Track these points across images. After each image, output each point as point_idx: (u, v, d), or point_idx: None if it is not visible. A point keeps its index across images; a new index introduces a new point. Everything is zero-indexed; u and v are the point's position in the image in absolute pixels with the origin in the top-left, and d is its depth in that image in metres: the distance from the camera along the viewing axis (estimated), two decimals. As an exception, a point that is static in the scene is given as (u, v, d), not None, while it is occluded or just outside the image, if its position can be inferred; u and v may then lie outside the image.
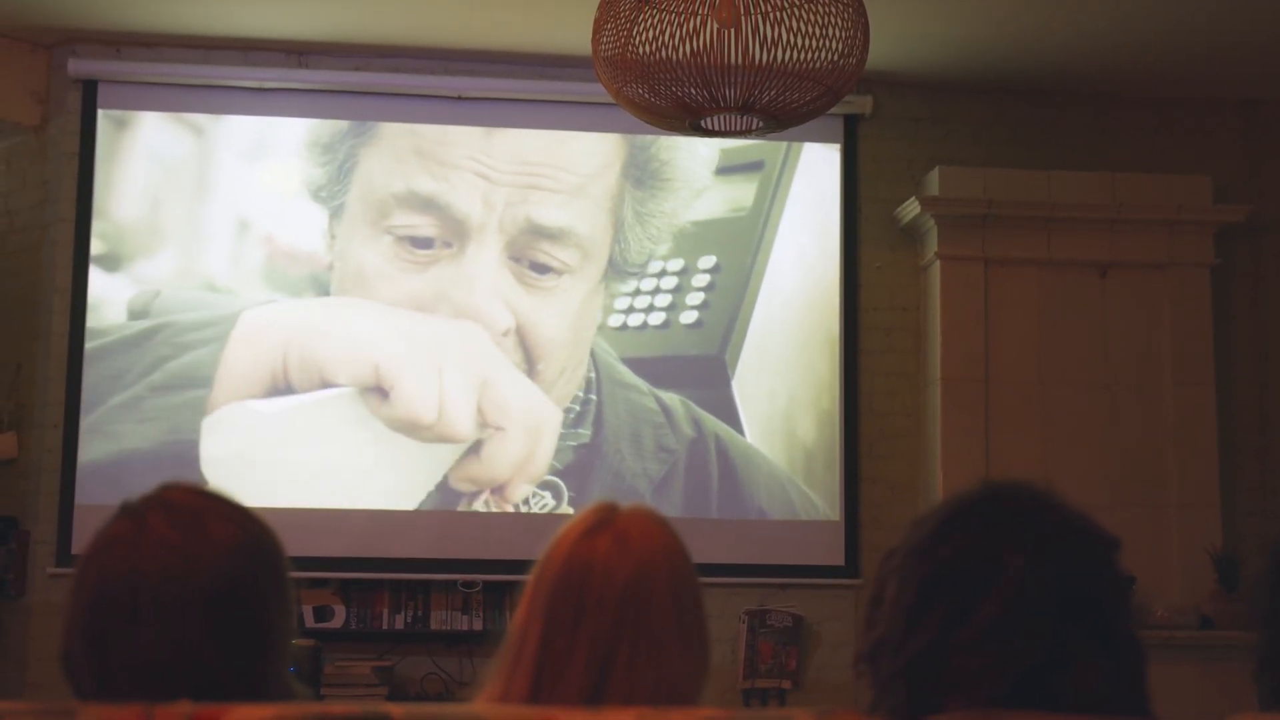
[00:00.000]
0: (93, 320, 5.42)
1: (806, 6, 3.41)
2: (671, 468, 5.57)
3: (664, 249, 5.68)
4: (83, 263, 5.46)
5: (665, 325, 5.66)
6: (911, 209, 5.69)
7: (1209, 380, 5.68)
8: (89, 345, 5.41)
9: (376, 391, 5.43)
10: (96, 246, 5.48)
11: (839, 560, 5.65)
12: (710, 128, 3.76)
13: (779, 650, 5.57)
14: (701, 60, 3.43)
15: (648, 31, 3.47)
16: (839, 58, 3.47)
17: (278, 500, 5.20)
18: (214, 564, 1.37)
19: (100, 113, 5.55)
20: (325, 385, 5.42)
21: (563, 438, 5.53)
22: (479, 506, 5.48)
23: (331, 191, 5.57)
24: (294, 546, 1.46)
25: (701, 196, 5.72)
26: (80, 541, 5.16)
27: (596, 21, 3.62)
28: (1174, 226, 5.70)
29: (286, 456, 5.40)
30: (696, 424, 5.60)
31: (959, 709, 1.21)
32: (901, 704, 1.25)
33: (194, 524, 1.39)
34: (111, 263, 5.48)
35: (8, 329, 5.57)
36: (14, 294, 5.61)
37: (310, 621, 5.31)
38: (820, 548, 5.63)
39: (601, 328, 5.61)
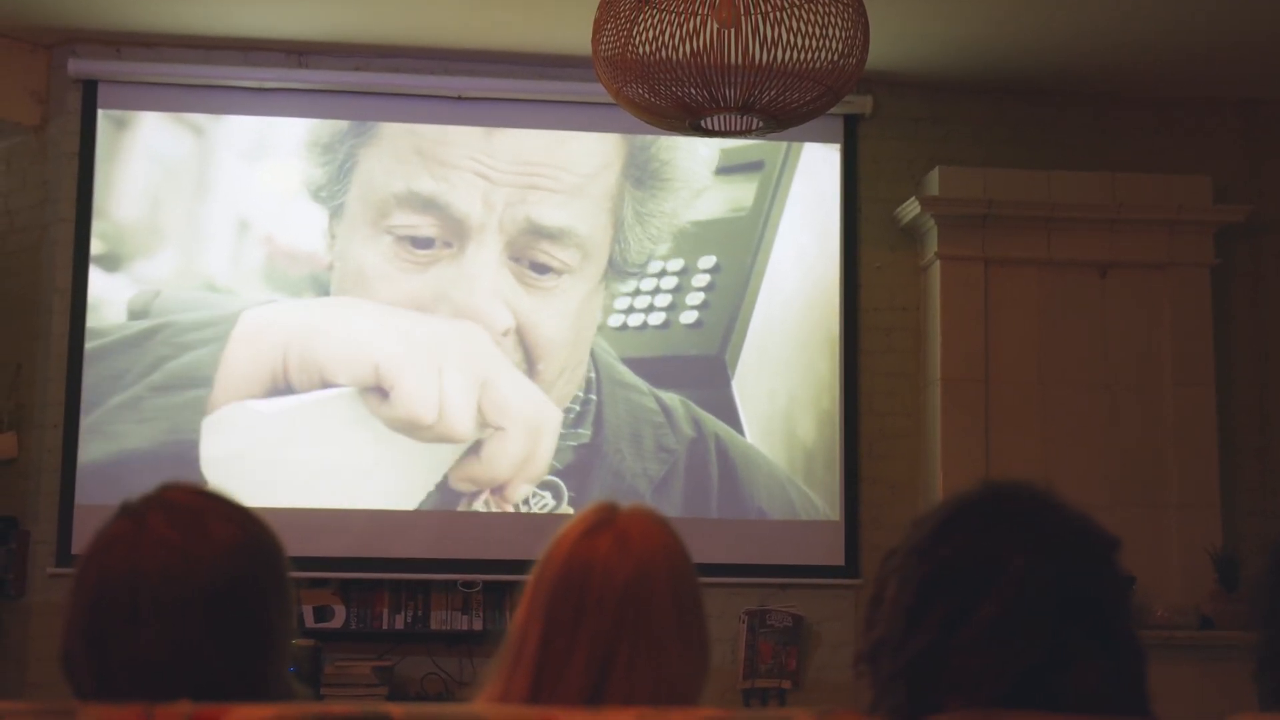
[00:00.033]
0: (93, 320, 5.42)
1: (806, 6, 3.41)
2: (671, 468, 5.57)
3: (664, 249, 5.68)
4: (83, 263, 5.46)
5: (665, 325, 5.66)
6: (911, 209, 5.69)
7: (1209, 380, 5.68)
8: (89, 345, 5.41)
9: (376, 391, 5.43)
10: (96, 246, 5.48)
11: (839, 560, 5.65)
12: (710, 128, 3.76)
13: (779, 650, 5.57)
14: (701, 60, 3.43)
15: (648, 31, 3.47)
16: (839, 58, 3.47)
17: (278, 500, 5.20)
18: (214, 564, 1.37)
19: (100, 113, 5.55)
20: (325, 385, 5.42)
21: (562, 438, 5.53)
22: (479, 506, 5.48)
23: (331, 191, 5.57)
24: (294, 546, 1.46)
25: (701, 196, 5.72)
26: (80, 541, 5.16)
27: (596, 21, 3.62)
28: (1174, 226, 5.70)
29: (286, 456, 5.40)
30: (696, 424, 5.60)
31: (959, 709, 1.21)
32: (902, 704, 1.25)
33: (194, 524, 1.39)
34: (111, 263, 5.48)
35: (8, 329, 5.57)
36: (14, 294, 5.61)
37: (310, 621, 5.31)
38: (820, 548, 5.63)
39: (601, 328, 5.61)
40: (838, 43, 3.46)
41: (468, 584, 5.45)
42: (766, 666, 5.56)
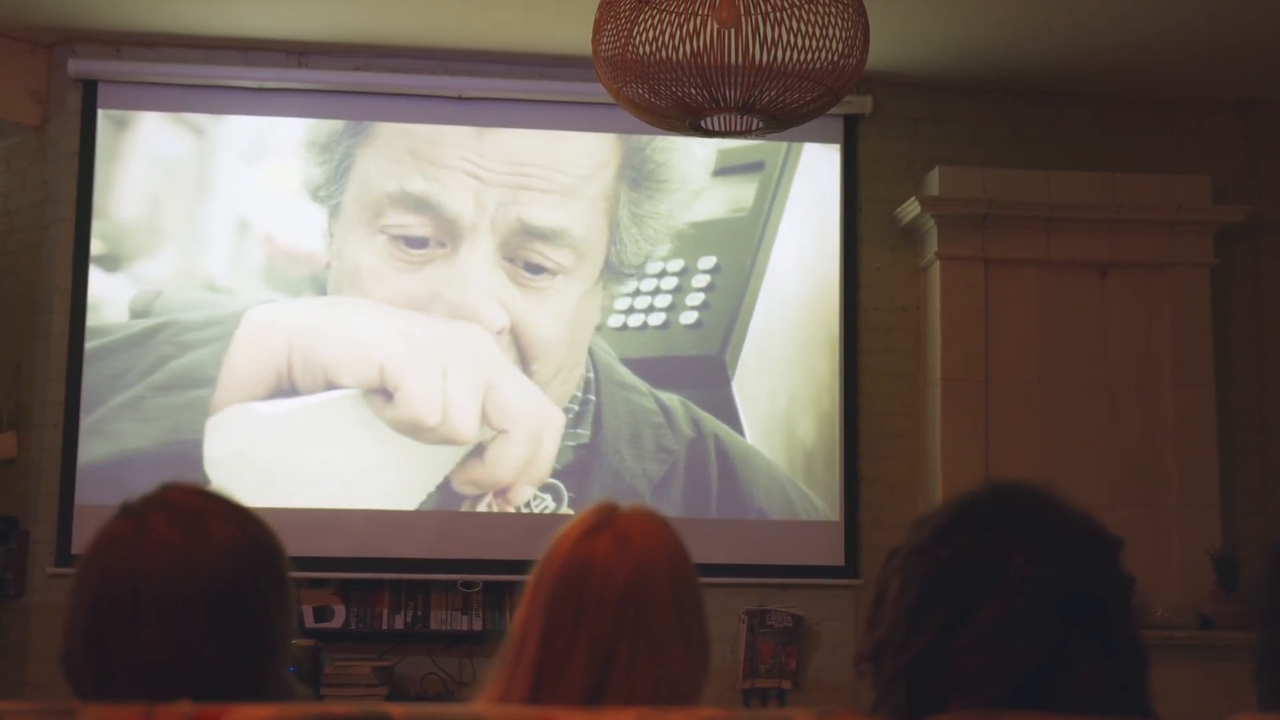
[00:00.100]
0: (93, 320, 5.42)
1: (807, 7, 3.41)
2: (671, 468, 5.57)
3: (663, 250, 5.68)
4: (83, 263, 5.46)
5: (665, 326, 5.66)
6: (911, 209, 5.69)
7: (1209, 380, 5.68)
8: (90, 345, 5.41)
9: (381, 393, 5.43)
10: (96, 246, 5.48)
11: (839, 560, 5.65)
12: (710, 128, 3.75)
13: (779, 650, 5.57)
14: (701, 60, 3.43)
15: (648, 32, 3.47)
16: (839, 58, 3.47)
17: (279, 500, 5.20)
18: (215, 564, 1.37)
19: (100, 113, 5.55)
20: (330, 386, 5.42)
21: (562, 438, 5.53)
22: (481, 509, 5.48)
23: (329, 191, 5.57)
24: (294, 546, 1.46)
25: (700, 197, 5.72)
26: (80, 541, 5.17)
27: (596, 22, 3.62)
28: (1174, 226, 5.70)
29: (289, 457, 5.40)
30: (696, 424, 5.60)
31: (961, 709, 1.21)
32: (903, 704, 1.25)
33: (195, 524, 1.39)
34: (112, 263, 5.48)
35: (8, 329, 5.57)
36: (14, 294, 5.61)
37: (310, 621, 5.31)
38: (820, 548, 5.63)
39: (601, 328, 5.61)
40: (838, 43, 3.45)
41: (468, 584, 5.45)
42: (766, 667, 5.56)
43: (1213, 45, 5.43)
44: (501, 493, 5.48)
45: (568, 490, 5.51)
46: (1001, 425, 5.57)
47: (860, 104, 5.78)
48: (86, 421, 5.36)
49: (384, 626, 5.42)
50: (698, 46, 3.41)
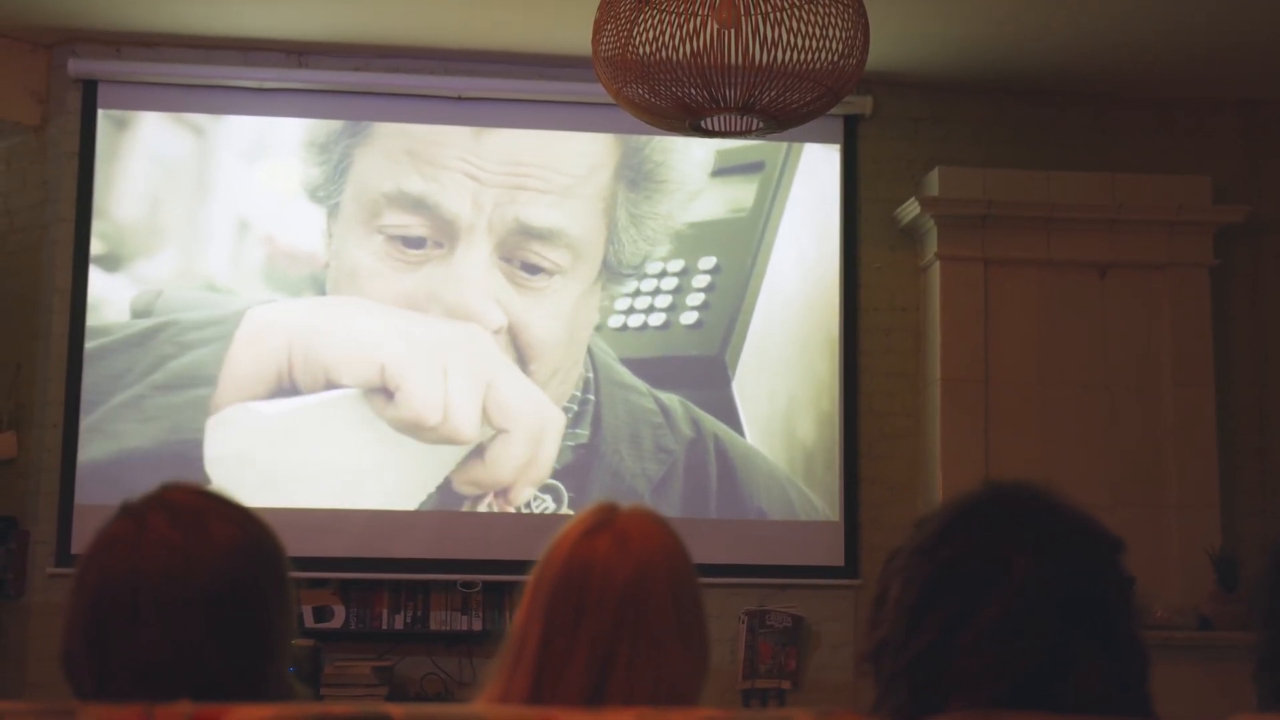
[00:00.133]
0: (93, 320, 5.42)
1: (807, 7, 3.41)
2: (670, 468, 5.57)
3: (663, 250, 5.68)
4: (83, 263, 5.46)
5: (665, 326, 5.66)
6: (911, 209, 5.69)
7: (1208, 380, 5.68)
8: (90, 344, 5.41)
9: (382, 393, 5.43)
10: (96, 246, 5.48)
11: (838, 561, 5.64)
12: (710, 128, 3.76)
13: (778, 650, 5.57)
14: (702, 61, 3.43)
15: (648, 32, 3.47)
16: (839, 58, 3.47)
17: (279, 500, 5.20)
18: (215, 564, 1.37)
19: (100, 113, 5.55)
20: (330, 386, 5.42)
21: (562, 438, 5.53)
22: (482, 510, 5.48)
23: (328, 191, 5.58)
24: (294, 546, 1.46)
25: (698, 198, 5.72)
26: (80, 541, 5.17)
27: (596, 22, 3.62)
28: (1174, 227, 5.70)
29: (289, 457, 5.40)
30: (695, 424, 5.60)
31: (961, 709, 1.21)
32: (904, 704, 1.25)
33: (195, 524, 1.39)
34: (112, 263, 5.48)
35: (8, 329, 5.57)
36: (14, 294, 5.61)
37: (310, 621, 5.31)
38: (820, 548, 5.63)
39: (601, 328, 5.61)
40: (838, 43, 3.46)
41: (467, 584, 5.45)
42: (766, 667, 5.56)
43: (1213, 45, 5.43)
44: (502, 493, 5.48)
45: (567, 490, 5.51)
46: (1001, 425, 5.57)
47: (860, 104, 5.78)
48: (86, 421, 5.36)
49: (384, 627, 5.42)
50: (698, 47, 3.41)
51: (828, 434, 5.68)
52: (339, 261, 5.54)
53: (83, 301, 5.43)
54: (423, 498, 5.45)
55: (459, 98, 5.68)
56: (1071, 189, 5.69)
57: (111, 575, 1.36)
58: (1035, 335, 5.65)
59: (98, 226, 5.49)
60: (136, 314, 5.44)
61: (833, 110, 3.88)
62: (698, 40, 3.41)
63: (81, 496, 5.32)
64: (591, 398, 5.57)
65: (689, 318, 5.66)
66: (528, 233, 5.59)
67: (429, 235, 5.55)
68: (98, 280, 5.45)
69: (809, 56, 3.43)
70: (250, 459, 5.37)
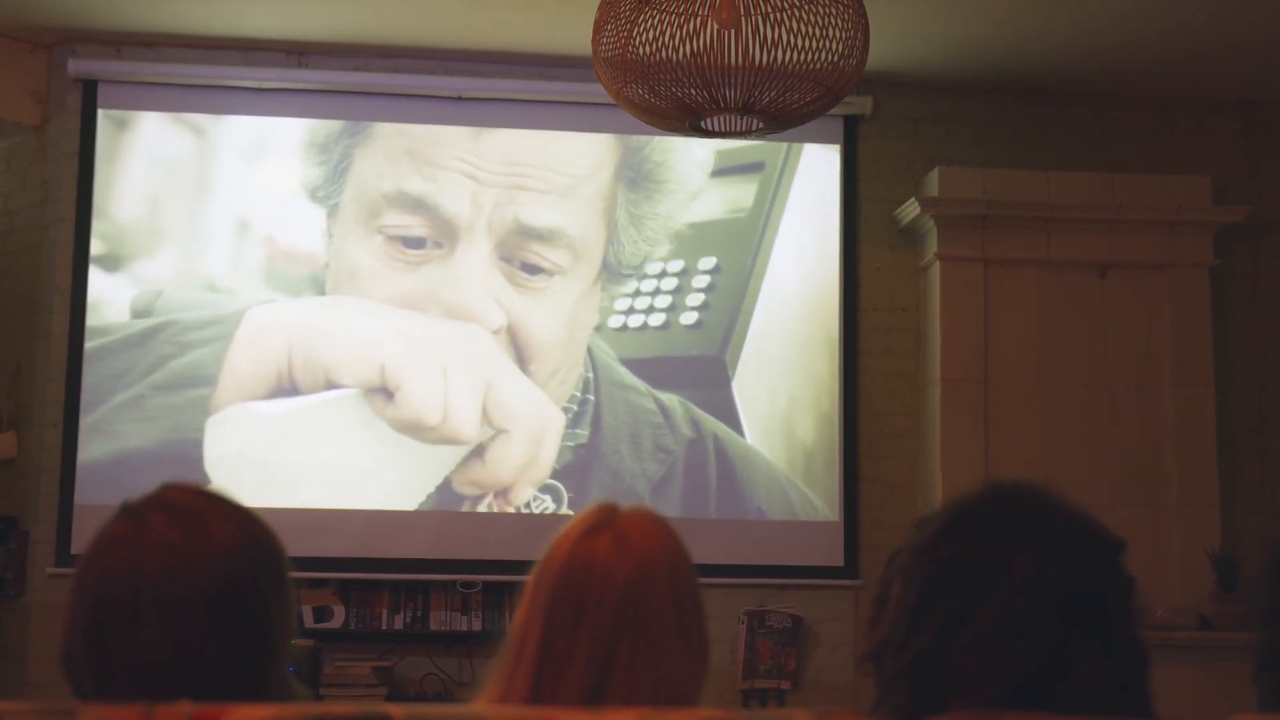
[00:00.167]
0: (93, 320, 5.42)
1: (807, 7, 3.41)
2: (670, 468, 5.57)
3: (663, 250, 5.68)
4: (83, 263, 5.46)
5: (665, 326, 5.66)
6: (911, 210, 5.69)
7: (1208, 381, 5.68)
8: (90, 344, 5.41)
9: (382, 392, 5.43)
10: (96, 246, 5.48)
11: (838, 561, 5.64)
12: (710, 128, 3.76)
13: (778, 651, 5.57)
14: (702, 61, 3.43)
15: (648, 32, 3.47)
16: (839, 59, 3.47)
17: (279, 500, 5.19)
18: (215, 564, 1.37)
19: (100, 113, 5.55)
20: (330, 386, 5.42)
21: (561, 438, 5.53)
22: (481, 510, 5.48)
23: (328, 191, 5.58)
24: (294, 546, 1.46)
25: (699, 198, 5.72)
26: (80, 541, 5.17)
27: (596, 22, 3.62)
28: (1173, 227, 5.70)
29: (289, 457, 5.40)
30: (695, 424, 5.60)
31: (961, 709, 1.21)
32: (904, 704, 1.25)
33: (195, 524, 1.39)
34: (112, 263, 5.48)
35: (8, 329, 5.57)
36: (14, 294, 5.61)
37: (310, 621, 5.31)
38: (819, 548, 5.63)
39: (601, 329, 5.61)
40: (838, 44, 3.46)
41: (467, 584, 5.45)
42: (765, 667, 5.56)
43: (1213, 45, 5.43)
44: (502, 493, 5.48)
45: (567, 491, 5.51)
46: (1001, 425, 5.57)
47: (860, 104, 5.78)
48: (86, 421, 5.36)
49: (383, 627, 5.42)
50: (698, 47, 3.41)
51: (827, 434, 5.68)
52: (338, 262, 5.54)
53: (83, 301, 5.43)
54: (422, 498, 5.45)
55: (459, 98, 5.68)
56: (1071, 189, 5.69)
57: (111, 575, 1.36)
58: (1035, 335, 5.65)
59: (98, 226, 5.49)
60: (136, 314, 5.44)
61: (833, 110, 3.88)
62: (698, 40, 3.41)
63: (81, 496, 5.32)
64: (591, 398, 5.57)
65: (689, 318, 5.66)
66: (527, 233, 5.59)
67: (428, 235, 5.55)
68: (98, 280, 5.45)
69: (809, 57, 3.43)
70: (250, 459, 5.38)
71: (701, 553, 1.59)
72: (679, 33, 3.43)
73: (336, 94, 5.65)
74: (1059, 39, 5.38)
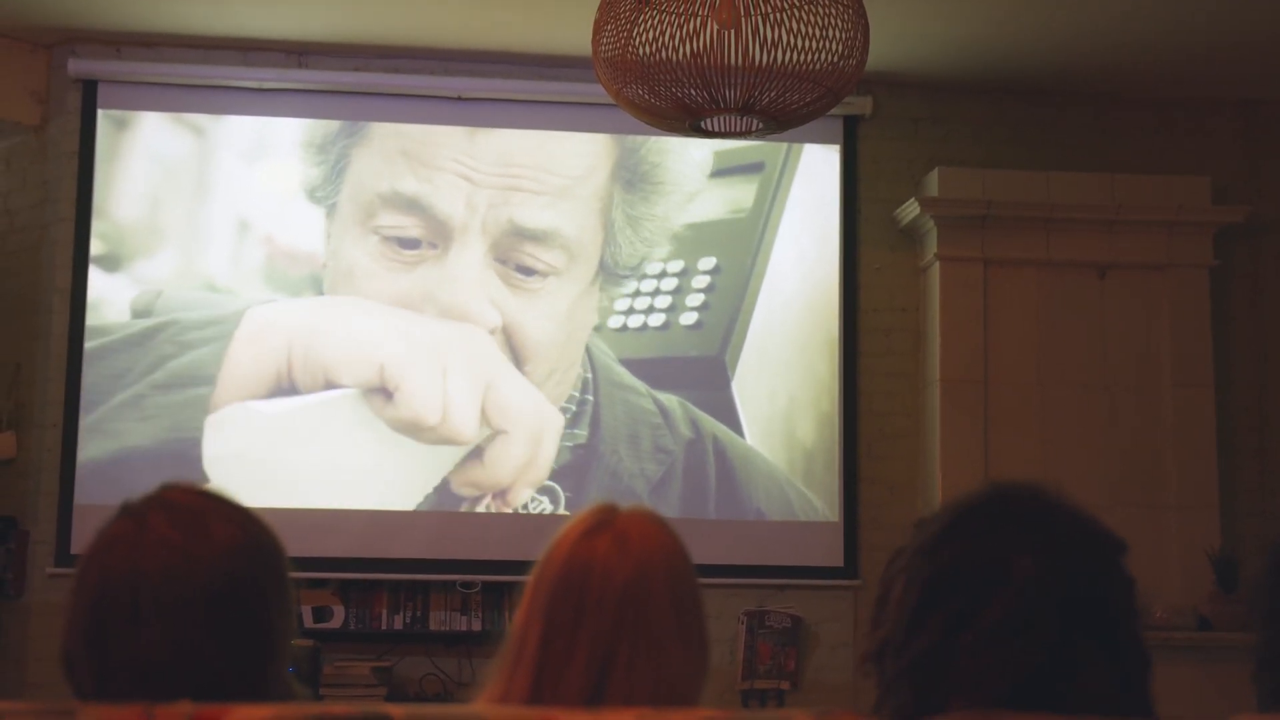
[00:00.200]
0: (93, 320, 5.42)
1: (806, 8, 3.41)
2: (669, 469, 5.57)
3: (662, 251, 5.68)
4: (83, 263, 5.46)
5: (665, 326, 5.66)
6: (911, 210, 5.69)
7: (1208, 381, 5.68)
8: (90, 344, 5.41)
9: (381, 392, 5.43)
10: (96, 246, 5.48)
11: (838, 561, 5.64)
12: (710, 129, 3.76)
13: (778, 651, 5.57)
14: (701, 61, 3.43)
15: (648, 33, 3.47)
16: (839, 59, 3.47)
17: (279, 500, 5.19)
18: (215, 564, 1.37)
19: (100, 113, 5.55)
20: (330, 386, 5.42)
21: (560, 439, 5.53)
22: (480, 510, 5.48)
23: (326, 191, 5.58)
24: (293, 546, 1.46)
25: (696, 199, 5.71)
26: (80, 541, 5.17)
27: (596, 22, 3.62)
28: (1173, 227, 5.70)
29: (289, 457, 5.40)
30: (694, 425, 5.60)
31: (962, 709, 1.21)
32: (905, 704, 1.25)
33: (195, 524, 1.39)
34: (112, 263, 5.48)
35: (8, 329, 5.57)
36: (14, 294, 5.61)
37: (309, 622, 5.31)
38: (819, 548, 5.63)
39: (600, 329, 5.61)
40: (838, 44, 3.46)
41: (466, 584, 5.45)
42: (765, 667, 5.56)
43: (1213, 45, 5.43)
44: (500, 494, 5.48)
45: (565, 491, 5.51)
46: (1001, 426, 5.57)
47: (860, 104, 5.78)
48: (86, 421, 5.36)
49: (383, 627, 5.42)
50: (697, 47, 3.41)
51: (827, 434, 5.68)
52: (336, 262, 5.54)
53: (83, 301, 5.43)
54: (420, 498, 5.45)
55: (459, 98, 5.68)
56: (1071, 189, 5.69)
57: (112, 575, 1.36)
58: (1035, 335, 5.65)
59: (98, 226, 5.49)
60: (136, 314, 5.44)
61: (832, 110, 3.88)
62: (697, 41, 3.41)
63: (81, 496, 5.32)
64: (590, 398, 5.57)
65: (688, 318, 5.66)
66: (521, 234, 5.59)
67: (423, 236, 5.55)
68: (98, 280, 5.46)
69: (809, 57, 3.43)
70: (250, 459, 5.38)
71: (701, 553, 1.59)
72: (679, 33, 3.43)
73: (336, 94, 5.65)
74: (1059, 39, 5.38)
